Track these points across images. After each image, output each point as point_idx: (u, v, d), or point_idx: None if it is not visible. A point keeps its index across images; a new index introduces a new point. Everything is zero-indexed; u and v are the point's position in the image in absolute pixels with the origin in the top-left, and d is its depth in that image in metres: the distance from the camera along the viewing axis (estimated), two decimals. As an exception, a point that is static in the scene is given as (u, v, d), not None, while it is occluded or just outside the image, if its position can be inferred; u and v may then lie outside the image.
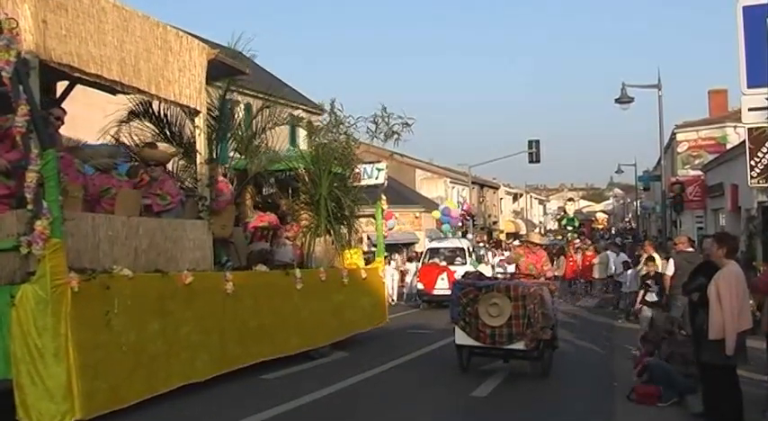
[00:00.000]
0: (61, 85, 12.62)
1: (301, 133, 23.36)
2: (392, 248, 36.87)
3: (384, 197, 18.90)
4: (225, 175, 15.40)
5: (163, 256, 10.87)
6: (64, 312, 8.49)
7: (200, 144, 12.42)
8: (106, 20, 9.97)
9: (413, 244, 44.07)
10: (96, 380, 8.84)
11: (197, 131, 12.45)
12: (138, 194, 11.06)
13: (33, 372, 8.41)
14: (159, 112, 14.52)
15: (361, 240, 25.26)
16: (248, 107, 18.11)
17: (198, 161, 12.59)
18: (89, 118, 14.06)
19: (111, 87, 11.19)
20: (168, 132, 14.80)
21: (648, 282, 15.57)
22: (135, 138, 14.30)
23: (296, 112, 28.86)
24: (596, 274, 29.10)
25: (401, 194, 47.26)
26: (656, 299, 15.23)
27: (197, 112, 12.28)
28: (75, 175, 9.91)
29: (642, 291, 15.74)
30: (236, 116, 16.64)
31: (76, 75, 9.68)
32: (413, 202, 49.16)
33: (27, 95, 8.32)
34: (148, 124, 14.64)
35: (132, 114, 14.33)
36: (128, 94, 11.86)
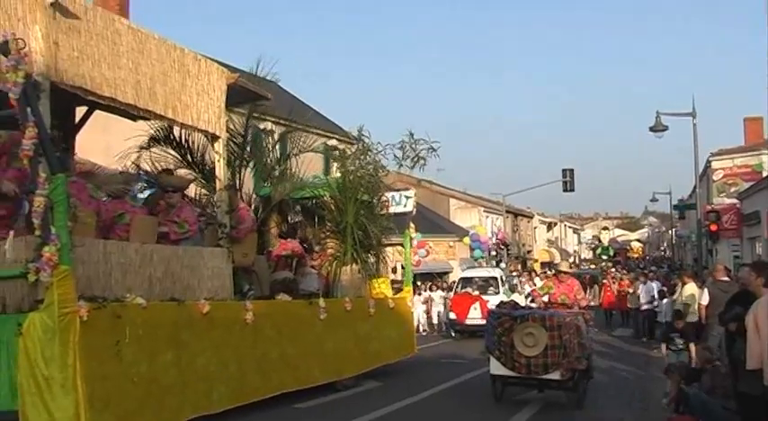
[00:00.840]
0: (80, 111, 12.47)
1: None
2: (426, 278, 36.52)
3: (413, 225, 18.57)
4: (249, 203, 15.21)
5: (179, 285, 10.56)
6: (72, 342, 8.18)
7: (220, 170, 12.15)
8: (121, 42, 9.76)
9: (447, 273, 43.59)
10: (105, 412, 8.51)
11: (216, 157, 12.19)
12: (153, 221, 10.79)
13: (40, 404, 8.08)
14: (180, 138, 14.32)
15: (394, 270, 24.94)
16: (270, 133, 17.82)
17: (217, 187, 12.31)
18: (109, 144, 13.91)
19: (131, 113, 11.00)
20: (189, 158, 14.59)
21: (673, 335, 14.68)
22: (156, 164, 14.09)
23: (330, 142, 28.75)
24: (630, 304, 28.55)
25: (435, 223, 46.94)
26: (680, 347, 14.54)
27: (216, 138, 12.02)
28: (87, 201, 9.65)
29: (664, 345, 14.96)
30: (262, 142, 16.40)
31: (90, 98, 9.43)
32: (447, 232, 48.75)
33: (35, 117, 8.08)
34: (170, 150, 14.45)
35: (152, 140, 14.15)
36: (145, 119, 11.64)
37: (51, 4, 8.59)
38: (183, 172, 14.47)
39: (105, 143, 14.66)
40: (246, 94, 13.35)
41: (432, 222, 45.45)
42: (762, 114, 40.87)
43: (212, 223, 12.24)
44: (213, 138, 12.09)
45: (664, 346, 14.39)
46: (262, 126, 18.20)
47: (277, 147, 16.24)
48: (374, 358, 15.58)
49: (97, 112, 11.92)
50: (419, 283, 34.50)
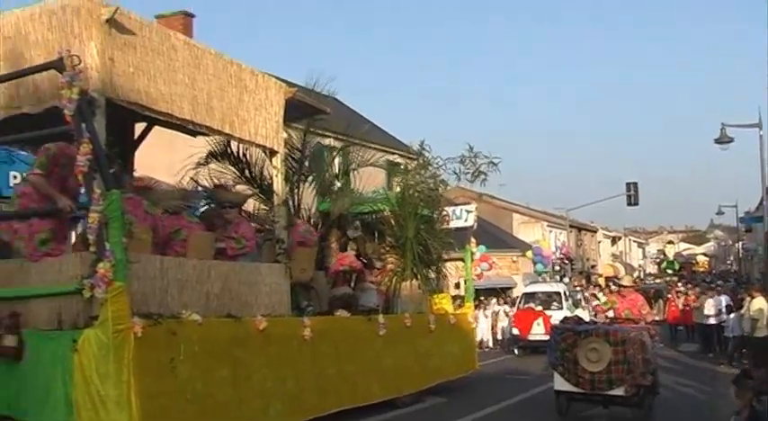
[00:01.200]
0: (139, 128, 12.52)
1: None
2: (489, 293, 36.27)
3: (473, 239, 18.35)
4: (308, 218, 15.14)
5: (236, 301, 10.46)
6: (126, 358, 8.09)
7: (278, 185, 12.07)
8: (177, 57, 9.73)
9: (510, 288, 43.20)
10: (160, 430, 8.42)
11: (274, 172, 12.11)
12: (210, 237, 10.72)
13: (95, 420, 8.05)
14: (238, 153, 14.30)
15: (457, 285, 24.72)
16: (331, 148, 17.70)
17: (275, 202, 12.23)
18: (172, 161, 13.95)
19: (189, 129, 10.99)
20: (248, 174, 14.56)
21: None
22: (215, 180, 14.08)
23: (392, 157, 28.65)
24: (696, 319, 27.92)
25: (499, 238, 46.60)
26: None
27: (274, 152, 11.94)
28: (143, 217, 9.61)
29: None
30: (322, 157, 16.31)
31: (146, 113, 9.42)
32: (510, 246, 48.36)
33: (90, 134, 8.06)
34: (228, 166, 14.44)
35: (211, 156, 14.15)
36: (203, 134, 11.61)
37: (107, 21, 8.58)
38: (241, 187, 14.45)
39: (169, 160, 14.69)
40: (305, 108, 13.28)
41: (495, 237, 45.10)
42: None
43: (270, 239, 12.17)
44: (271, 153, 12.01)
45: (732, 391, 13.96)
46: (325, 142, 18.09)
47: (336, 161, 16.13)
48: (435, 374, 15.35)
49: (162, 130, 11.93)
50: (482, 298, 34.25)
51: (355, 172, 16.18)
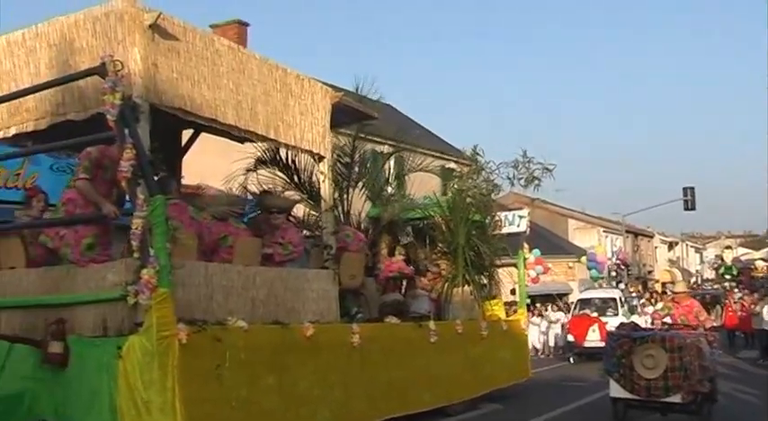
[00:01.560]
0: (187, 134, 12.54)
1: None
2: (546, 299, 35.96)
3: (526, 245, 18.11)
4: (358, 224, 15.05)
5: (283, 307, 10.36)
6: (171, 365, 8.02)
7: (325, 190, 11.96)
8: (221, 62, 9.67)
9: (566, 294, 42.73)
10: (204, 437, 8.34)
11: (321, 178, 12.01)
12: (257, 243, 10.64)
13: (139, 428, 8.00)
14: (286, 159, 14.25)
15: (513, 291, 24.50)
16: (383, 155, 17.56)
17: (323, 208, 12.13)
18: (216, 166, 13.96)
19: (236, 135, 10.94)
20: (297, 179, 14.50)
21: None
22: (264, 186, 14.06)
23: (444, 163, 28.51)
24: (755, 325, 27.29)
25: (554, 244, 46.27)
26: None
27: (321, 158, 11.84)
28: (188, 223, 9.56)
29: None
30: (373, 163, 16.19)
31: (190, 119, 9.34)
32: (566, 252, 47.90)
33: (133, 139, 8.02)
34: (277, 172, 14.40)
35: (259, 162, 14.12)
36: (249, 140, 11.56)
37: (150, 26, 8.54)
38: (289, 193, 14.43)
39: (227, 167, 14.69)
40: (353, 113, 13.17)
41: (551, 243, 44.78)
42: None
43: (318, 244, 12.07)
44: (319, 158, 11.92)
45: None
46: (378, 149, 17.96)
47: (386, 167, 16.02)
48: (486, 382, 15.13)
49: (216, 138, 11.94)
50: (538, 305, 33.92)
51: (408, 178, 16.03)
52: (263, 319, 9.90)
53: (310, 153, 11.75)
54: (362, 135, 15.60)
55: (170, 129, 12.05)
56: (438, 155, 29.81)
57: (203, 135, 12.20)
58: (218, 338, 8.71)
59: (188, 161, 13.03)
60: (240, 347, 9.02)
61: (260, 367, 9.39)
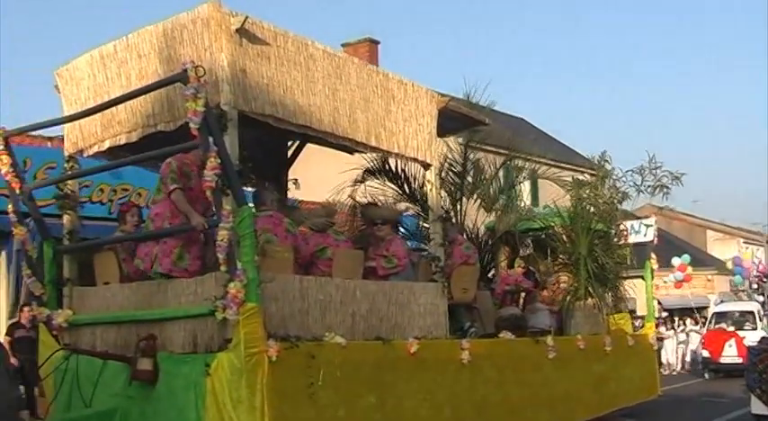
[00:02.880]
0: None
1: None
2: (685, 313, 34.58)
3: (654, 256, 17.09)
4: (472, 235, 14.51)
5: (386, 323, 9.86)
6: (260, 383, 7.68)
7: (432, 200, 11.40)
8: (315, 67, 9.27)
9: (704, 308, 40.87)
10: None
11: (428, 186, 11.49)
12: (357, 255, 10.18)
13: (229, 447, 7.64)
14: (396, 169, 13.82)
15: (659, 305, 23.51)
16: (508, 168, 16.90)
17: (430, 219, 11.59)
18: (325, 178, 13.67)
19: (342, 145, 10.62)
20: (407, 189, 14.04)
21: None
22: (374, 197, 13.70)
23: (581, 177, 27.61)
24: None
25: (692, 256, 44.34)
26: None
27: (428, 166, 11.33)
28: (283, 235, 9.21)
29: None
30: (486, 171, 15.57)
31: (282, 126, 8.96)
32: (705, 265, 45.86)
33: (218, 147, 7.71)
34: (388, 183, 13.99)
35: (368, 173, 13.74)
36: (356, 150, 11.19)
37: (237, 31, 8.23)
38: (402, 205, 14.01)
39: (336, 179, 14.43)
40: (463, 120, 12.66)
41: (689, 255, 42.98)
42: None
43: (425, 256, 11.54)
44: (425, 166, 11.42)
45: None
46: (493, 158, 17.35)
47: (501, 175, 15.37)
48: (611, 400, 14.30)
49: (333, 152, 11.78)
50: (676, 318, 32.54)
51: (542, 190, 15.35)
52: (365, 335, 9.47)
53: (415, 160, 11.26)
54: (474, 143, 15.00)
55: (275, 140, 11.91)
56: (565, 165, 28.95)
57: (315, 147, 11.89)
58: (312, 355, 8.28)
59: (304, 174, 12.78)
60: (337, 364, 8.59)
61: (359, 385, 8.95)
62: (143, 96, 8.70)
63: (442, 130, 11.88)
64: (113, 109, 9.19)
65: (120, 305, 9.20)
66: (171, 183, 8.63)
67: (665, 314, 32.96)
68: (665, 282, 35.17)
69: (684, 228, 48.49)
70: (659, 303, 24.99)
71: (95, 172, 10.07)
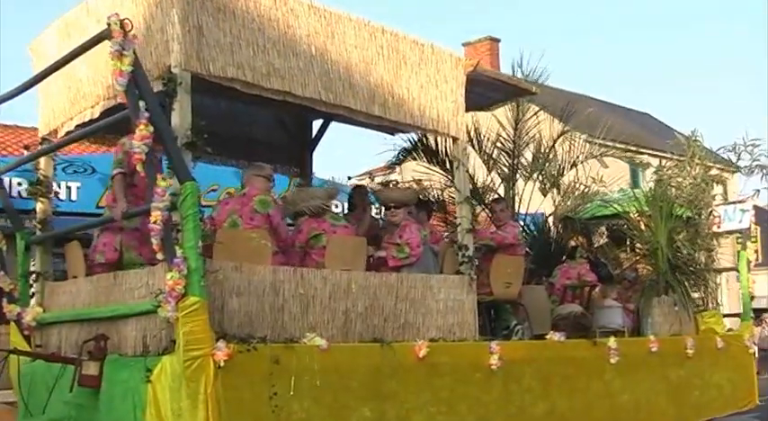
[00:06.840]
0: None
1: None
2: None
3: (750, 245, 15.00)
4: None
5: (392, 322, 8.43)
6: (203, 393, 6.39)
7: (459, 179, 9.88)
8: (297, 25, 7.95)
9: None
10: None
11: (455, 163, 10.02)
12: (357, 242, 8.77)
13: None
14: (435, 147, 12.36)
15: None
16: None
17: (456, 200, 10.07)
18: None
19: (390, 127, 9.55)
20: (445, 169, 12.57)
21: None
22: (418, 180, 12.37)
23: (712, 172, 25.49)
24: None
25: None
26: None
27: (455, 140, 9.87)
28: (248, 216, 8.00)
29: None
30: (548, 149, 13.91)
31: (253, 92, 7.67)
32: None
33: (151, 113, 6.50)
34: (430, 165, 12.59)
35: (405, 151, 12.36)
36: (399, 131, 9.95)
37: (191, -18, 7.03)
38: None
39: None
40: (506, 89, 11.13)
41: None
42: None
43: (452, 244, 10.03)
44: (453, 140, 9.98)
45: None
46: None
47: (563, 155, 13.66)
48: (694, 411, 12.38)
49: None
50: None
51: (582, 165, 13.60)
52: (363, 337, 8.11)
53: (435, 133, 9.81)
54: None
55: (297, 120, 10.80)
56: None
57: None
58: (277, 360, 6.96)
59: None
60: (316, 371, 7.25)
61: (347, 396, 7.57)
62: (103, 64, 7.56)
63: (485, 101, 10.70)
64: (78, 83, 8.28)
65: (83, 301, 8.18)
66: (115, 167, 7.62)
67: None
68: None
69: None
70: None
71: (52, 150, 8.95)
